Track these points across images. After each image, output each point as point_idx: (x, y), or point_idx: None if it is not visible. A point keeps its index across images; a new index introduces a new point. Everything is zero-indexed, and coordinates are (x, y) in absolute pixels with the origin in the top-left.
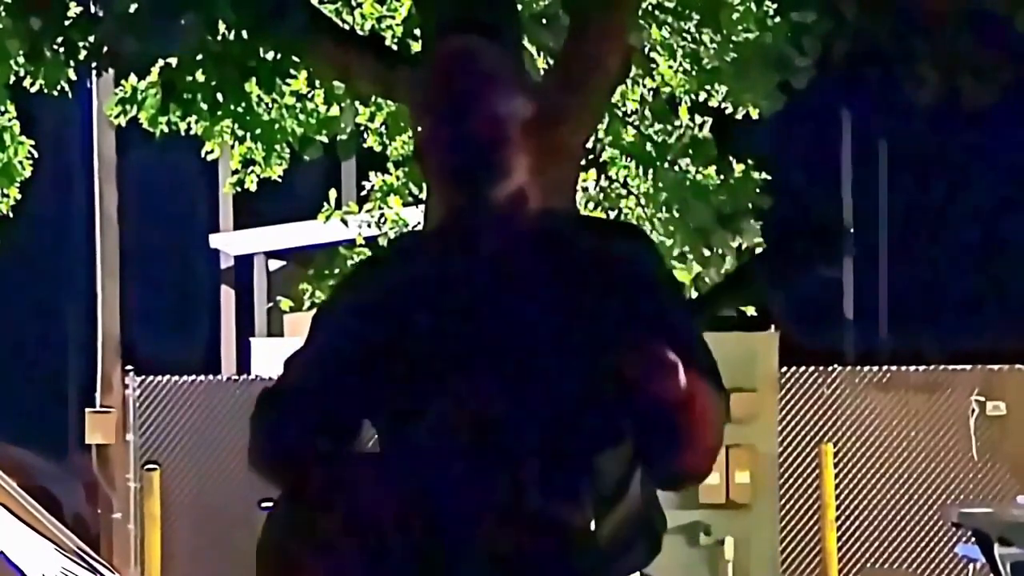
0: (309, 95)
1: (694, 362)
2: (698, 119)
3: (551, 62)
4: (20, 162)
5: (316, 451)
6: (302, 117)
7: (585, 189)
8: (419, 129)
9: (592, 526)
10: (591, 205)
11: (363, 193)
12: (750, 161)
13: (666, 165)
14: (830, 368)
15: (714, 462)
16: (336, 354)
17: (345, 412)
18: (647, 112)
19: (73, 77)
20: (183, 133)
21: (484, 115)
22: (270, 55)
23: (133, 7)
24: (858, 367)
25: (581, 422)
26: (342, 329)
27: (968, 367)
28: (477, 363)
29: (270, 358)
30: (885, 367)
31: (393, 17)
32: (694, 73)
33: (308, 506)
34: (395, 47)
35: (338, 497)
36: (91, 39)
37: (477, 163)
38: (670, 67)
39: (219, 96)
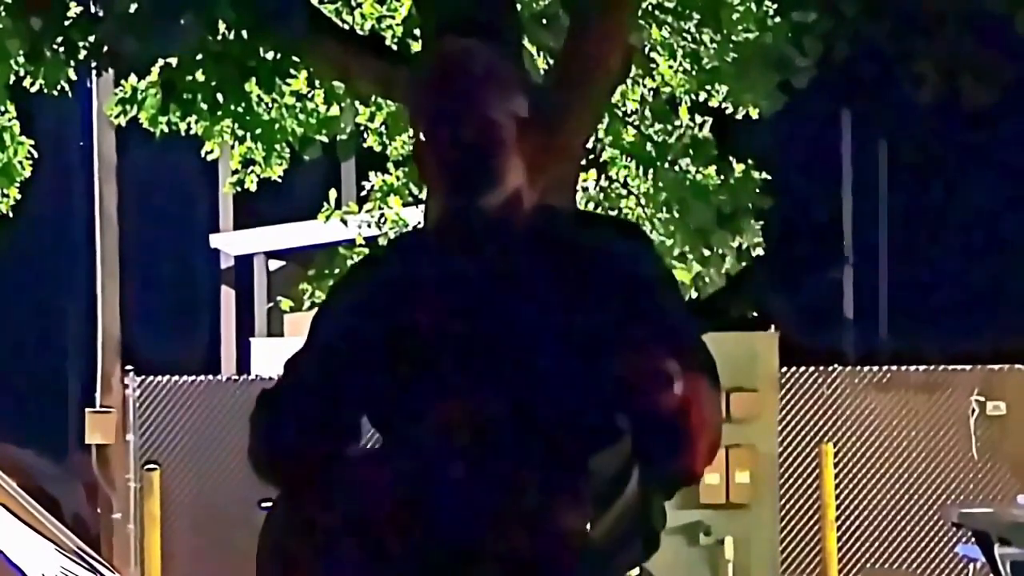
0: (309, 95)
1: (693, 364)
2: (698, 119)
3: (551, 62)
4: (20, 162)
5: (315, 450)
6: (302, 117)
7: (585, 189)
8: (416, 131)
9: (590, 525)
10: (591, 205)
11: (363, 193)
12: (750, 161)
13: (666, 165)
14: (830, 368)
15: (710, 462)
16: (335, 353)
17: (345, 411)
18: (647, 112)
19: (73, 77)
20: (183, 133)
21: (480, 118)
22: (270, 55)
23: (133, 7)
24: (858, 367)
25: (580, 421)
26: (341, 328)
27: (968, 367)
28: (476, 363)
29: (270, 358)
30: (885, 367)
31: (393, 17)
32: (694, 73)
33: (307, 506)
34: (395, 47)
35: (337, 497)
36: (91, 39)
37: (474, 166)
38: (670, 67)
39: (219, 96)
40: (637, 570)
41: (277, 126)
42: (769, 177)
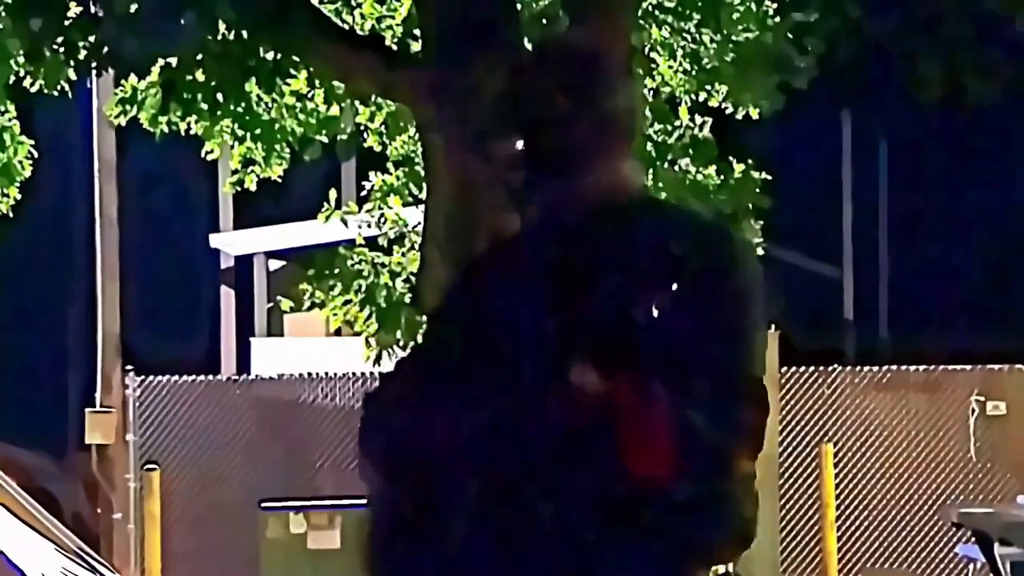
0: (309, 95)
1: (655, 363)
2: (698, 119)
3: None
4: (20, 162)
5: (401, 455)
6: (302, 117)
7: None
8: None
9: (607, 533)
10: None
11: (363, 193)
12: (750, 161)
13: (666, 165)
14: (830, 368)
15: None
16: (421, 360)
17: (430, 422)
18: (647, 112)
19: (73, 77)
20: (183, 133)
21: (586, 115)
22: (270, 55)
23: (133, 7)
24: (858, 367)
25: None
26: (430, 339)
27: (968, 367)
28: (491, 370)
29: (270, 358)
30: (885, 367)
31: (393, 17)
32: (694, 73)
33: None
34: (395, 47)
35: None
36: (91, 39)
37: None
38: (670, 67)
39: (219, 96)
40: (724, 568)
41: (277, 126)
42: (769, 177)
